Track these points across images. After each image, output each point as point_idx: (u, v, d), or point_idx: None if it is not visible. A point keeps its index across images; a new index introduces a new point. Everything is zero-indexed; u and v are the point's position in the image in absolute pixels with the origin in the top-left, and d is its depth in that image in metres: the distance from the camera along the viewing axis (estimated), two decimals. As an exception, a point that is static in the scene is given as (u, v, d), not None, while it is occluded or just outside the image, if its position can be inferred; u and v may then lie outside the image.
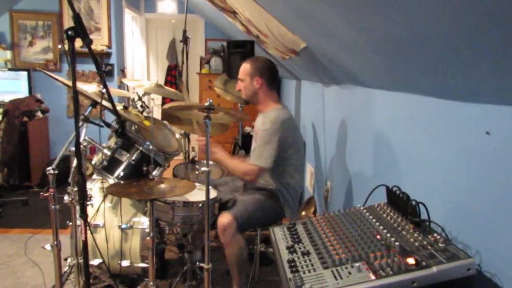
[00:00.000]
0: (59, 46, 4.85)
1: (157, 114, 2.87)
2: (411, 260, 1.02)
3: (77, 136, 1.38)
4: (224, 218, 2.03)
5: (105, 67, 4.86)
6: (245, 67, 2.32)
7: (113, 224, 2.15)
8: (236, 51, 3.79)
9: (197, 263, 2.16)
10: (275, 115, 2.22)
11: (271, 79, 2.31)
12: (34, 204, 3.79)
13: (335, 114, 2.70)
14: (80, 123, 1.87)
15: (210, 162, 1.84)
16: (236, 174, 2.26)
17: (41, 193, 1.83)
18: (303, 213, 2.58)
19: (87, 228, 1.44)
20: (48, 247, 1.87)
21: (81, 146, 1.87)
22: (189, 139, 3.20)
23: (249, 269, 2.27)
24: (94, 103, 1.96)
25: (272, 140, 2.15)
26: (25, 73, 4.58)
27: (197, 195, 2.16)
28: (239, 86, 2.34)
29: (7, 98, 4.18)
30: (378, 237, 1.19)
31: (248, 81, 2.28)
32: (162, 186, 1.87)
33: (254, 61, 2.33)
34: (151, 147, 2.06)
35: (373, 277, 0.99)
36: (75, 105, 1.31)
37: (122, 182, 2.01)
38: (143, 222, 2.15)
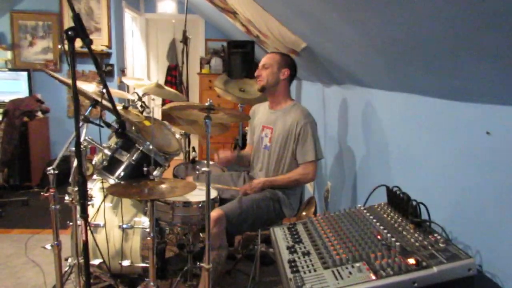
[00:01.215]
0: (59, 46, 4.85)
1: (157, 114, 2.87)
2: (411, 260, 1.02)
3: (78, 136, 1.38)
4: (215, 213, 2.03)
5: (105, 67, 4.86)
6: (274, 56, 2.32)
7: (114, 224, 2.15)
8: (236, 51, 3.79)
9: (197, 263, 2.16)
10: (301, 110, 2.27)
11: (292, 77, 2.35)
12: (34, 204, 3.79)
13: (335, 114, 2.70)
14: (81, 123, 1.86)
15: (211, 162, 1.84)
16: (294, 184, 2.24)
17: (42, 193, 1.83)
18: (304, 213, 2.58)
19: (88, 228, 1.44)
20: (48, 247, 1.87)
21: (82, 146, 1.86)
22: (189, 139, 3.20)
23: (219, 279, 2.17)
24: (95, 103, 1.96)
25: (314, 132, 2.22)
26: (25, 73, 4.58)
27: (197, 195, 2.16)
28: (260, 72, 2.30)
29: (7, 98, 4.18)
30: (379, 237, 1.19)
31: (276, 69, 2.27)
32: (163, 186, 1.87)
33: (284, 55, 2.36)
34: (151, 147, 2.06)
35: (373, 277, 0.99)
36: (75, 105, 1.31)
37: (122, 182, 2.01)
38: (144, 222, 2.15)
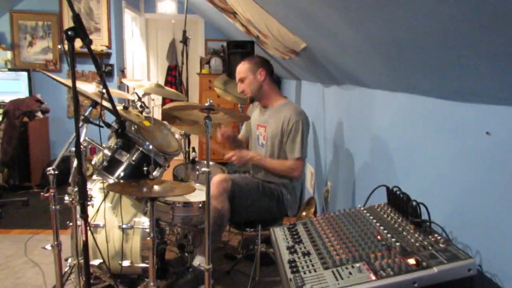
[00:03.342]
0: (59, 47, 4.85)
1: (157, 114, 2.87)
2: (411, 261, 1.02)
3: (77, 136, 1.38)
4: (222, 176, 2.08)
5: (105, 68, 4.86)
6: (243, 66, 2.36)
7: (114, 224, 2.15)
8: (236, 51, 3.79)
9: (198, 263, 2.16)
10: (294, 107, 2.31)
11: (271, 72, 2.38)
12: (34, 205, 3.79)
13: (335, 114, 2.70)
14: (80, 124, 1.87)
15: (211, 163, 1.84)
16: (279, 172, 2.28)
17: (42, 194, 1.83)
18: (304, 213, 2.59)
19: (87, 228, 1.44)
20: (48, 247, 1.87)
21: (81, 147, 1.86)
22: (189, 140, 3.19)
23: (219, 240, 2.28)
24: (94, 104, 1.96)
25: (305, 130, 2.24)
26: (25, 74, 4.57)
27: (197, 195, 2.16)
28: (241, 87, 2.36)
29: (7, 99, 4.18)
30: (379, 237, 1.19)
31: (251, 76, 2.32)
32: (162, 186, 1.87)
33: (250, 59, 2.39)
34: (151, 147, 2.06)
35: (373, 278, 0.99)
36: (75, 105, 1.31)
37: (122, 182, 2.01)
38: (144, 222, 2.15)
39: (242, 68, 2.35)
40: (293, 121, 2.22)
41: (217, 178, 2.10)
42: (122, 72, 5.12)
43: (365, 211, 1.40)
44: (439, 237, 1.11)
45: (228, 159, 2.25)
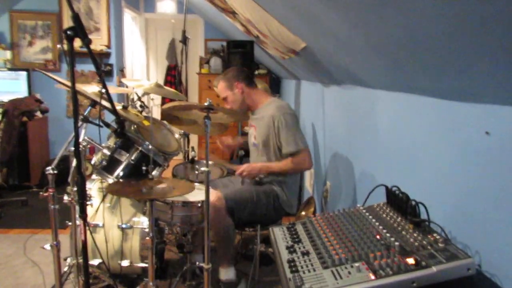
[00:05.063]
0: (58, 46, 4.85)
1: (156, 114, 2.87)
2: (410, 260, 1.02)
3: (76, 136, 1.38)
4: (213, 196, 2.04)
5: (105, 67, 4.86)
6: (220, 86, 2.41)
7: (113, 224, 2.15)
8: (236, 51, 3.79)
9: (197, 263, 2.16)
10: (275, 105, 2.32)
11: (248, 79, 2.40)
12: (33, 204, 3.79)
13: (335, 114, 2.70)
14: (80, 123, 1.86)
15: (210, 162, 1.84)
16: (289, 171, 2.28)
17: (41, 193, 1.83)
18: (303, 213, 2.58)
19: (86, 228, 1.43)
20: (47, 247, 1.87)
21: (81, 146, 1.86)
22: (188, 139, 3.19)
23: (234, 248, 2.28)
24: (94, 103, 1.96)
25: (291, 123, 2.24)
26: (24, 73, 4.58)
27: (197, 195, 2.16)
28: (227, 105, 2.41)
29: (6, 98, 4.17)
30: (378, 237, 1.19)
31: (231, 93, 2.37)
32: (162, 186, 1.87)
33: (223, 76, 2.45)
34: (150, 147, 2.06)
35: (372, 277, 0.99)
36: (74, 105, 1.31)
37: (121, 181, 2.01)
38: (143, 222, 2.15)
39: (220, 89, 2.41)
40: (277, 118, 2.24)
41: (210, 200, 2.07)
42: (122, 72, 5.12)
43: (364, 211, 1.40)
44: (438, 237, 1.11)
45: (240, 175, 2.26)
